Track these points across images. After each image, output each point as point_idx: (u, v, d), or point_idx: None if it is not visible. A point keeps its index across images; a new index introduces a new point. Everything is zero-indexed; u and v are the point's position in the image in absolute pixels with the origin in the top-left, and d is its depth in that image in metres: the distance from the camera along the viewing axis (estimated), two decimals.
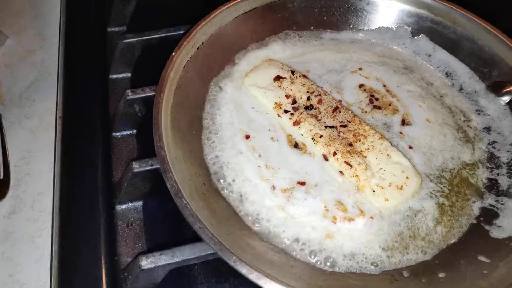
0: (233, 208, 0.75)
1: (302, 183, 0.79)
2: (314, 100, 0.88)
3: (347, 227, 0.75)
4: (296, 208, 0.76)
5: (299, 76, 0.92)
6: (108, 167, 0.95)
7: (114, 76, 1.12)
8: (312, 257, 0.72)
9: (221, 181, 0.79)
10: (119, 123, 0.99)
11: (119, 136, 1.00)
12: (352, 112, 0.87)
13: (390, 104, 0.90)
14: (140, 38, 1.08)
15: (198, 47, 0.89)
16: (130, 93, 0.97)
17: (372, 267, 0.72)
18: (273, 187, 0.78)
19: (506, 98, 0.89)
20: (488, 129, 0.89)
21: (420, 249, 0.74)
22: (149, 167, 0.81)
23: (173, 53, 0.83)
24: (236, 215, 0.75)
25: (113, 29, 1.22)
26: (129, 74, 1.12)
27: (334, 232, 0.74)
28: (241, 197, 0.77)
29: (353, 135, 0.83)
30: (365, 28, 1.03)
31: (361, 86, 0.92)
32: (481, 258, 0.70)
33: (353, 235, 0.74)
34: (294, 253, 0.72)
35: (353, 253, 0.72)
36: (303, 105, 0.88)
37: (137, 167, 0.82)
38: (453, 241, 0.76)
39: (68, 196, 0.85)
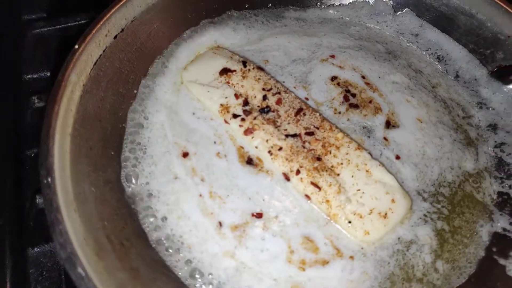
0: (163, 261, 0.55)
1: (259, 216, 0.59)
2: (271, 100, 0.68)
3: (320, 274, 0.56)
4: (250, 253, 0.57)
5: (253, 69, 0.71)
6: (16, 197, 0.75)
7: (28, 77, 0.89)
8: None
9: (149, 220, 0.58)
10: (31, 139, 0.78)
11: (32, 155, 0.79)
12: (320, 115, 0.66)
13: (370, 101, 0.70)
14: (53, 27, 0.85)
15: (116, 36, 0.67)
16: (36, 101, 0.76)
17: None
18: (220, 224, 0.58)
19: None
20: (493, 127, 0.71)
21: None
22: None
23: (75, 46, 0.61)
24: (168, 271, 0.54)
25: (27, 16, 0.98)
26: (48, 74, 0.89)
27: (304, 283, 0.55)
28: (175, 243, 0.57)
29: (322, 146, 0.63)
30: (336, 4, 0.83)
31: (333, 79, 0.72)
32: None
33: (329, 285, 0.55)
34: None
35: None
36: (258, 106, 0.68)
37: (42, 201, 0.62)
38: (458, 281, 0.57)
39: None
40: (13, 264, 0.69)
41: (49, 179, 0.50)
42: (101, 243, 0.51)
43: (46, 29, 0.87)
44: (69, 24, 0.87)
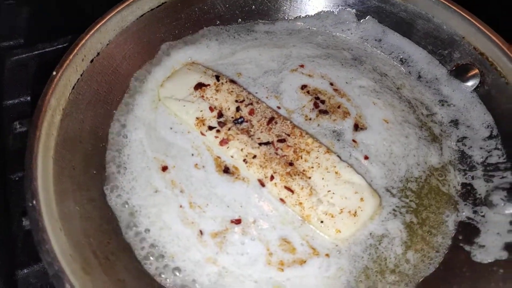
0: (148, 272, 0.58)
1: (237, 222, 0.62)
2: (244, 111, 0.71)
3: (299, 273, 0.59)
4: (231, 257, 0.60)
5: (226, 82, 0.75)
6: (3, 221, 0.77)
7: (9, 102, 0.91)
8: None
9: (133, 234, 0.61)
10: (14, 163, 0.79)
11: (16, 178, 0.81)
12: (291, 122, 0.70)
13: (339, 107, 0.74)
14: (31, 53, 0.88)
15: (92, 60, 0.70)
16: (18, 126, 0.78)
17: None
18: (201, 232, 0.61)
19: (472, 83, 0.75)
20: (455, 123, 0.75)
21: (391, 287, 0.59)
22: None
23: (53, 73, 0.64)
24: (153, 280, 0.57)
25: (6, 43, 1.00)
26: (28, 98, 0.91)
27: (284, 283, 0.59)
28: (158, 253, 0.59)
29: (294, 152, 0.67)
30: (302, 15, 0.87)
31: (303, 87, 0.76)
32: None
33: (308, 283, 0.59)
34: None
35: None
36: (232, 117, 0.71)
37: (28, 223, 0.64)
38: (429, 270, 0.61)
39: None
40: (3, 287, 0.71)
41: (34, 202, 0.52)
42: (87, 259, 0.54)
43: (24, 55, 0.89)
44: (46, 49, 0.89)
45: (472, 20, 0.74)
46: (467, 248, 0.62)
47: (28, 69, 0.89)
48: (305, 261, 0.60)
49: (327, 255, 0.61)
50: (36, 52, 0.88)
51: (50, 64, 0.88)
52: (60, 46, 0.89)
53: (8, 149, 0.77)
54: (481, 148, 0.70)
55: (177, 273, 0.58)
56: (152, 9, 0.78)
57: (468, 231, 0.64)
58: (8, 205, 0.78)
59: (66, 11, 0.99)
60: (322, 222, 0.62)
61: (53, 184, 0.57)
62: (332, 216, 0.62)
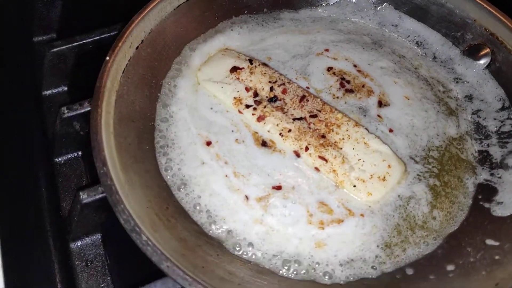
0: (204, 231, 0.64)
1: (278, 188, 0.69)
2: (277, 91, 0.78)
3: (337, 231, 0.65)
4: (276, 218, 0.66)
5: (259, 65, 0.81)
6: (54, 199, 0.84)
7: (47, 92, 0.98)
8: (304, 273, 0.62)
9: (186, 200, 0.67)
10: (59, 147, 0.86)
11: (62, 161, 0.88)
12: (321, 100, 0.77)
13: (363, 86, 0.81)
14: (70, 45, 0.93)
15: (138, 47, 0.76)
16: (66, 111, 0.84)
17: (373, 270, 0.63)
18: (246, 197, 0.68)
19: (484, 62, 0.82)
20: (469, 98, 0.82)
21: (421, 240, 0.67)
22: (100, 195, 0.69)
23: (107, 58, 0.70)
24: (210, 238, 0.64)
25: (39, 38, 1.07)
26: (65, 88, 0.98)
27: (325, 240, 0.65)
28: (211, 215, 0.66)
29: (325, 125, 0.73)
30: (324, 4, 0.94)
31: (329, 69, 0.83)
32: (489, 241, 0.63)
33: (346, 239, 0.65)
34: (284, 272, 0.62)
35: (350, 260, 0.64)
36: (266, 97, 0.78)
37: (85, 197, 0.70)
38: (454, 226, 0.68)
39: (12, 236, 0.72)
40: (59, 258, 0.77)
41: (105, 169, 0.59)
42: (153, 220, 0.60)
43: (64, 47, 0.95)
44: (84, 41, 0.95)
45: (482, 3, 0.81)
46: (486, 205, 0.69)
47: (67, 61, 0.95)
48: (342, 221, 0.66)
49: (361, 215, 0.67)
50: (75, 44, 0.94)
51: (88, 55, 0.95)
52: (97, 38, 0.94)
53: (57, 134, 0.83)
54: (494, 119, 0.78)
55: (230, 233, 0.64)
56: (187, 0, 0.84)
57: (486, 191, 0.71)
58: (56, 187, 0.84)
59: (98, 5, 1.05)
60: (354, 186, 0.69)
61: (116, 156, 0.63)
62: (363, 181, 0.69)
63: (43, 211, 0.81)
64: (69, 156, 0.87)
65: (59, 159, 0.87)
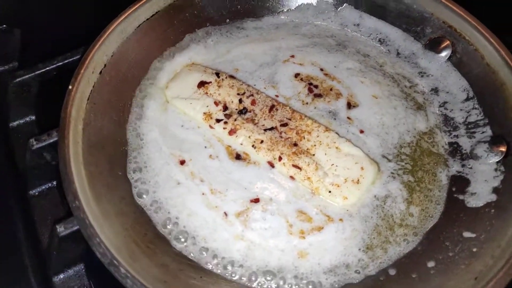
0: (184, 254, 0.64)
1: (256, 201, 0.69)
2: (247, 102, 0.78)
3: (318, 239, 0.66)
4: (256, 232, 0.66)
5: (226, 78, 0.81)
6: (32, 233, 0.81)
7: (15, 123, 0.95)
8: (290, 286, 0.62)
9: (165, 223, 0.67)
10: (32, 179, 0.84)
11: (36, 193, 0.86)
12: (290, 108, 0.77)
13: (331, 89, 0.81)
14: (33, 74, 0.92)
15: (101, 71, 0.75)
16: (34, 142, 0.82)
17: (357, 274, 0.64)
18: (225, 214, 0.67)
19: (445, 54, 0.84)
20: (435, 91, 0.83)
21: (401, 238, 0.67)
22: (78, 227, 0.67)
23: (69, 87, 0.69)
24: (190, 261, 0.63)
25: (1, 68, 1.04)
26: (33, 117, 0.96)
27: (307, 249, 0.65)
28: (190, 237, 0.66)
29: (296, 133, 0.74)
30: (285, 10, 0.94)
31: (296, 75, 0.83)
32: (466, 234, 0.65)
33: (328, 245, 0.66)
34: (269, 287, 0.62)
35: (333, 266, 0.64)
36: (236, 109, 0.77)
37: (62, 230, 0.69)
38: (432, 221, 0.69)
39: None
40: None
41: (77, 202, 0.58)
42: (131, 249, 0.59)
43: (27, 76, 0.92)
44: (47, 68, 0.93)
45: None
46: (461, 197, 0.70)
47: (31, 89, 0.93)
48: (322, 228, 0.67)
49: (340, 219, 0.68)
50: (37, 72, 0.92)
51: (52, 82, 0.93)
52: (60, 64, 0.93)
53: (28, 166, 0.82)
54: (461, 109, 0.79)
55: (211, 252, 0.64)
56: (147, 19, 0.83)
57: (459, 183, 0.72)
58: (33, 220, 0.82)
59: (57, 31, 1.03)
60: (330, 192, 0.69)
61: (88, 187, 0.62)
62: (338, 186, 0.70)
63: (21, 247, 0.79)
64: (43, 187, 0.85)
65: (33, 191, 0.85)
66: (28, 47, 1.00)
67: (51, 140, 0.77)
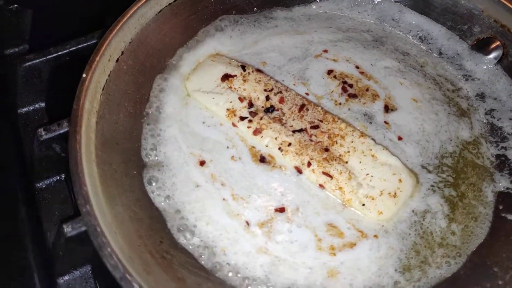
0: (203, 267, 0.58)
1: (281, 210, 0.63)
2: (274, 100, 0.71)
3: (350, 256, 0.60)
4: (281, 246, 0.60)
5: (252, 71, 0.74)
6: (37, 230, 0.77)
7: (23, 110, 0.90)
8: None
9: (182, 230, 0.61)
10: (39, 171, 0.79)
11: (43, 187, 0.81)
12: (322, 108, 0.70)
13: (367, 89, 0.74)
14: (44, 58, 0.86)
15: (118, 59, 0.69)
16: (43, 133, 0.77)
17: None
18: (247, 223, 0.61)
19: (495, 56, 0.76)
20: (481, 96, 0.76)
21: (442, 260, 0.61)
22: (85, 228, 0.62)
23: (83, 75, 0.63)
24: (209, 274, 0.57)
25: (11, 50, 0.98)
26: (43, 104, 0.90)
27: (337, 267, 0.59)
28: (209, 248, 0.60)
29: (328, 137, 0.67)
30: (318, 0, 0.86)
31: (329, 72, 0.76)
32: None
33: (361, 264, 0.60)
34: None
35: None
36: (262, 107, 0.71)
37: (70, 230, 0.65)
38: (476, 241, 0.63)
39: None
40: None
41: (88, 207, 0.52)
42: (145, 259, 0.54)
43: (37, 60, 0.87)
44: (59, 53, 0.88)
45: None
46: (509, 217, 0.63)
47: (42, 75, 0.87)
48: (355, 244, 0.61)
49: (375, 236, 0.61)
50: (49, 57, 0.87)
51: (64, 68, 0.87)
52: (73, 49, 0.87)
53: (35, 157, 0.77)
54: (510, 119, 0.72)
55: (232, 266, 0.58)
56: (170, 4, 0.77)
57: (508, 201, 0.65)
58: (38, 216, 0.77)
59: (71, 13, 0.97)
60: (363, 205, 0.63)
61: (100, 188, 0.56)
62: (373, 199, 0.63)
63: (25, 244, 0.75)
64: (51, 180, 0.80)
65: (40, 184, 0.81)
66: (40, 29, 0.94)
67: (62, 131, 0.73)
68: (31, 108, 0.90)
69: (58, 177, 0.79)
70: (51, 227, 0.76)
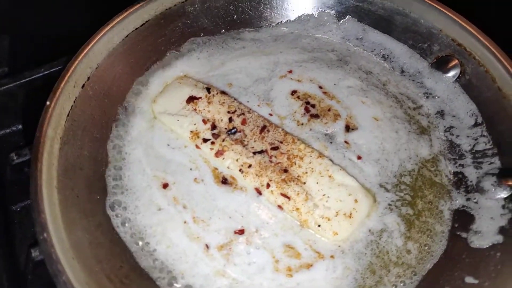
0: None
1: (241, 232, 0.64)
2: (237, 121, 0.73)
3: (307, 277, 0.61)
4: (239, 268, 0.61)
5: (217, 94, 0.76)
6: (9, 252, 0.77)
7: (0, 133, 0.91)
8: None
9: (142, 254, 0.62)
10: (13, 194, 0.80)
11: (18, 209, 0.82)
12: (282, 130, 0.72)
13: (329, 109, 0.76)
14: (18, 82, 0.88)
15: (83, 85, 0.71)
16: (15, 157, 0.79)
17: None
18: (207, 246, 0.63)
19: (453, 74, 0.78)
20: (441, 114, 0.78)
21: (397, 279, 0.62)
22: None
23: (47, 102, 0.65)
24: None
25: None
26: (20, 126, 0.92)
27: None
28: (169, 271, 0.61)
29: (287, 158, 0.69)
30: (284, 20, 0.88)
31: (293, 93, 0.78)
32: (468, 279, 0.59)
33: (317, 285, 0.61)
34: None
35: None
36: (225, 129, 0.73)
37: (37, 254, 0.66)
38: (432, 260, 0.64)
39: None
40: None
41: (45, 234, 0.53)
42: (103, 285, 0.55)
43: (12, 84, 0.88)
44: (33, 76, 0.89)
45: (448, 12, 0.77)
46: (464, 235, 0.64)
47: (17, 98, 0.89)
48: (311, 265, 0.62)
49: (331, 256, 0.63)
50: (23, 80, 0.88)
51: (38, 91, 0.89)
52: (46, 72, 0.89)
53: (6, 181, 0.78)
54: (468, 136, 0.73)
55: None
56: (136, 28, 0.78)
57: (463, 219, 0.66)
58: (14, 236, 0.78)
59: (46, 37, 0.99)
60: (319, 225, 0.64)
61: (60, 214, 0.58)
62: (328, 219, 0.64)
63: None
64: (26, 203, 0.81)
65: (15, 206, 0.82)
66: (16, 55, 0.96)
67: None
68: (8, 131, 0.91)
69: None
70: (24, 250, 0.78)
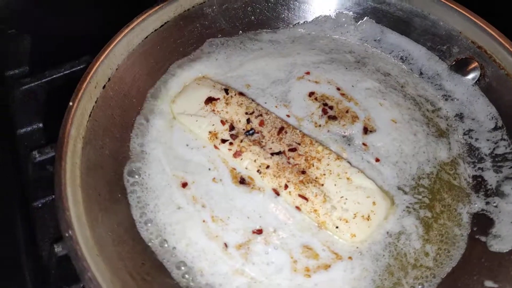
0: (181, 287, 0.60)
1: (259, 232, 0.65)
2: (255, 123, 0.73)
3: (325, 278, 0.61)
4: (258, 267, 0.62)
5: (235, 95, 0.77)
6: (33, 248, 0.79)
7: (22, 131, 0.93)
8: None
9: (162, 252, 0.63)
10: (35, 191, 0.82)
11: (40, 205, 0.84)
12: (300, 131, 0.72)
13: (347, 111, 0.76)
14: (40, 81, 0.90)
15: (104, 86, 0.72)
16: (37, 155, 0.81)
17: None
18: (225, 245, 0.64)
19: (472, 77, 0.77)
20: (460, 116, 0.77)
21: (415, 281, 0.62)
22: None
23: (70, 103, 0.66)
24: None
25: (12, 72, 1.02)
26: (41, 125, 0.94)
27: None
28: (188, 269, 0.62)
29: (305, 160, 0.69)
30: (301, 22, 0.89)
31: (311, 94, 0.78)
32: (488, 283, 0.59)
33: (335, 286, 0.61)
34: None
35: None
36: (243, 130, 0.73)
37: (60, 250, 0.67)
38: (450, 263, 0.64)
39: None
40: None
41: (70, 232, 0.55)
42: (126, 282, 0.56)
43: (33, 84, 0.90)
44: (54, 76, 0.91)
45: (467, 14, 0.76)
46: (483, 239, 0.64)
47: (38, 97, 0.91)
48: (329, 266, 0.62)
49: (349, 258, 0.63)
50: (44, 80, 0.90)
51: (59, 90, 0.91)
52: (67, 72, 0.91)
53: (28, 178, 0.80)
54: (487, 139, 0.73)
55: (208, 287, 0.60)
56: (155, 30, 0.79)
57: (482, 222, 0.66)
58: (35, 232, 0.80)
59: (67, 37, 1.01)
60: (337, 227, 0.65)
61: (84, 212, 0.59)
62: (346, 221, 0.65)
63: (21, 260, 0.77)
64: (46, 200, 0.83)
65: (37, 203, 0.84)
66: (37, 54, 0.98)
67: (54, 154, 0.75)
68: (29, 129, 0.93)
69: (52, 197, 0.82)
70: (46, 245, 0.79)
